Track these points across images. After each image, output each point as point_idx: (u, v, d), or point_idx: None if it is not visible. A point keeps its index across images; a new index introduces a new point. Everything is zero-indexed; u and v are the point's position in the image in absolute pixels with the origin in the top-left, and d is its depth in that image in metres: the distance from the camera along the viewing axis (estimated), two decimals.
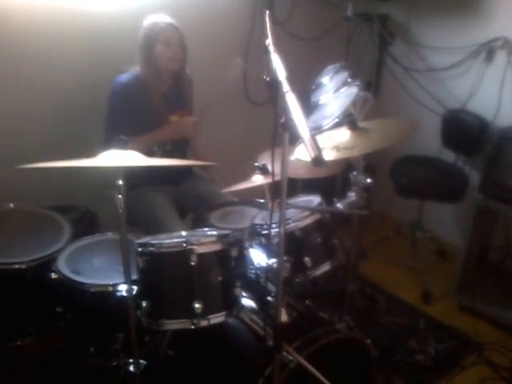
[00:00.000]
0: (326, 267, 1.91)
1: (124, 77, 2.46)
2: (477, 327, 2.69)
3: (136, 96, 2.43)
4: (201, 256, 1.67)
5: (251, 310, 1.97)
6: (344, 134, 1.97)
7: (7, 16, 2.42)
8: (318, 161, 1.29)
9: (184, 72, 2.58)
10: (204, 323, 1.66)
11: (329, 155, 1.83)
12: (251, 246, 1.90)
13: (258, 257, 1.88)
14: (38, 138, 2.61)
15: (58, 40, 2.56)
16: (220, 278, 1.70)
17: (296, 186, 2.70)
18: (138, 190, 2.47)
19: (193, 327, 1.65)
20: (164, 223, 2.39)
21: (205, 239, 1.73)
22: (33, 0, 2.46)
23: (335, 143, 1.92)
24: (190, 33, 2.48)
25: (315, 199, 2.04)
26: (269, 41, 1.47)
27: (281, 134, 1.43)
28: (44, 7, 2.50)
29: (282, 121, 1.39)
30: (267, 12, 1.52)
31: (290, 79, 1.40)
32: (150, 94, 2.47)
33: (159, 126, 2.50)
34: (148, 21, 2.43)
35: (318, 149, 1.30)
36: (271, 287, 1.80)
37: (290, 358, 1.72)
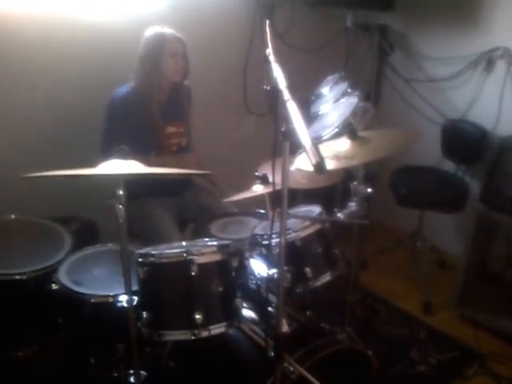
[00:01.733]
0: (326, 277, 1.91)
1: (122, 90, 2.46)
2: (478, 338, 2.68)
3: (134, 108, 2.43)
4: (201, 266, 1.67)
5: (252, 320, 1.97)
6: (344, 144, 1.98)
7: (7, 26, 2.43)
8: (319, 167, 1.29)
9: (183, 83, 2.59)
10: (204, 334, 1.66)
11: (329, 164, 1.83)
12: (252, 257, 1.89)
13: (259, 267, 1.87)
14: (38, 149, 2.61)
15: (59, 50, 2.57)
16: (220, 289, 1.69)
17: (296, 196, 2.70)
18: (139, 201, 2.47)
19: (193, 338, 1.65)
20: (165, 234, 2.39)
21: (205, 249, 1.73)
22: (34, 9, 2.48)
23: (335, 153, 1.92)
24: (189, 43, 2.49)
25: (316, 209, 2.04)
26: (269, 50, 1.48)
27: (281, 143, 1.43)
28: (45, 16, 2.51)
29: (283, 129, 1.39)
30: (267, 22, 1.53)
31: (290, 90, 1.41)
32: (149, 105, 2.47)
33: (157, 136, 2.51)
34: (153, 31, 2.44)
35: (319, 155, 1.30)
36: (272, 298, 1.80)
37: (291, 369, 1.72)
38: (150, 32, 2.45)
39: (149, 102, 2.47)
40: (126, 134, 2.31)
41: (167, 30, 2.45)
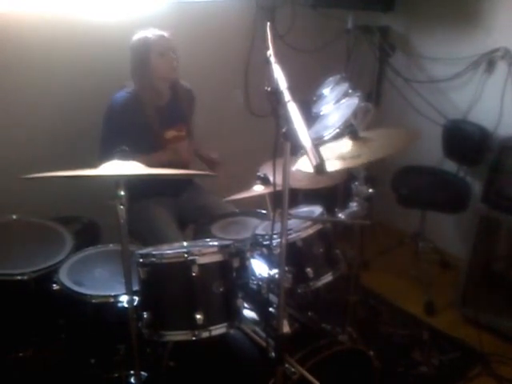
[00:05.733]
0: (328, 278, 1.90)
1: (121, 95, 2.46)
2: (481, 338, 2.66)
3: (133, 113, 2.42)
4: (202, 267, 1.66)
5: (253, 321, 1.96)
6: (346, 144, 1.98)
7: (8, 26, 2.43)
8: (320, 168, 1.29)
9: (179, 82, 2.57)
10: (205, 335, 1.65)
11: (331, 165, 1.83)
12: (253, 257, 1.89)
13: (260, 267, 1.87)
14: (39, 150, 2.62)
15: (59, 51, 2.57)
16: (221, 289, 1.69)
17: (298, 197, 2.70)
18: (139, 201, 2.46)
19: (194, 339, 1.64)
20: (166, 235, 2.38)
21: (206, 250, 1.72)
22: (35, 10, 2.48)
23: (337, 153, 1.92)
24: (191, 46, 2.50)
25: (317, 209, 2.03)
26: (270, 52, 1.48)
27: (282, 144, 1.43)
28: (46, 17, 2.51)
29: (284, 130, 1.39)
30: (268, 24, 1.53)
31: (292, 91, 1.41)
32: (147, 110, 2.45)
33: (155, 142, 2.50)
34: (138, 36, 2.42)
35: (319, 157, 1.30)
36: (273, 298, 1.79)
37: (293, 369, 1.71)
38: (134, 38, 2.43)
39: (146, 108, 2.44)
40: (125, 140, 2.26)
41: (150, 31, 2.42)
